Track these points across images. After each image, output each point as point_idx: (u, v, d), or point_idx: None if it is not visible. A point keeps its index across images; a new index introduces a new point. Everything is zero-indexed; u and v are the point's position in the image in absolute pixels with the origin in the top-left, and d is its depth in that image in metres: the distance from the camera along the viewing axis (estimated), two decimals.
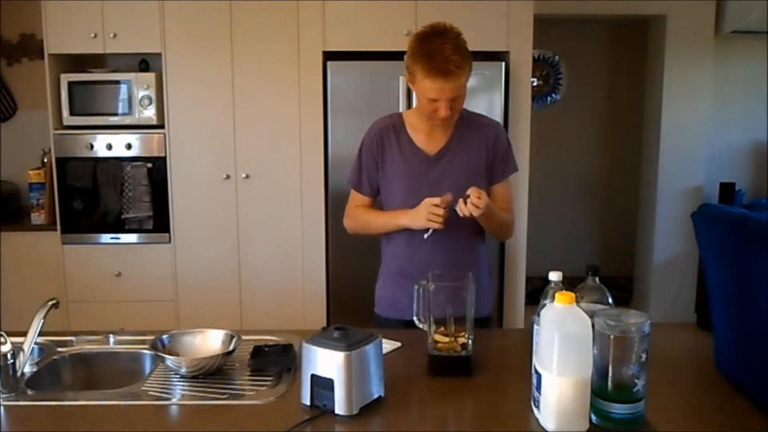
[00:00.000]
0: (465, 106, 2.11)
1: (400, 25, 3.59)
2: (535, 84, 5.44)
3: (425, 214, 1.96)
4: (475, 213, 1.91)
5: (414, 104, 3.57)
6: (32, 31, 4.11)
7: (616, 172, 5.79)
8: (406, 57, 1.99)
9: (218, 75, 3.69)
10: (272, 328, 2.03)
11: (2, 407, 1.56)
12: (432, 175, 2.09)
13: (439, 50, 1.89)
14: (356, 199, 2.22)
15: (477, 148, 2.12)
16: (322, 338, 1.50)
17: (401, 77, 3.54)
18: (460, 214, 1.94)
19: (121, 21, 3.65)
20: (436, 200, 1.94)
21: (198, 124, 3.74)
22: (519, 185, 3.62)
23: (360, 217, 2.20)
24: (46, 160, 3.93)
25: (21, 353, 1.66)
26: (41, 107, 3.79)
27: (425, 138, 2.12)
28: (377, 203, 2.22)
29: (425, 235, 1.98)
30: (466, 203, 1.92)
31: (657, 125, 4.72)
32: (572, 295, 1.39)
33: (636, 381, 1.39)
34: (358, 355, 1.46)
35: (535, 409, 1.45)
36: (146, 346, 1.83)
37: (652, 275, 4.82)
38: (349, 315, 3.65)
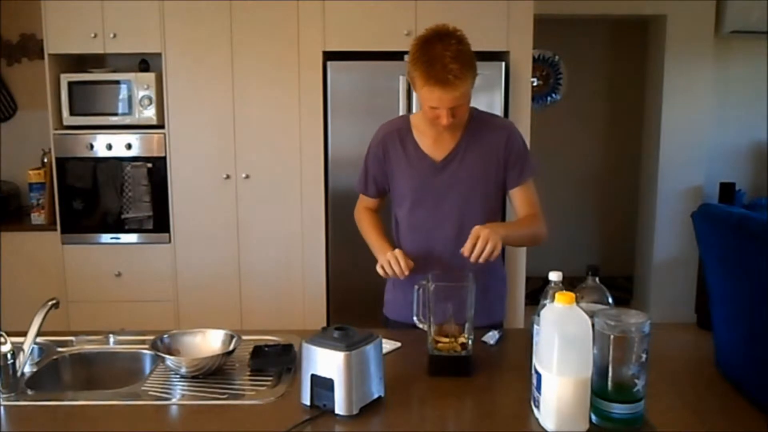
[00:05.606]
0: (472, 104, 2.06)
1: (400, 25, 3.59)
2: (535, 84, 5.44)
3: (383, 260, 1.96)
4: (487, 258, 1.85)
5: (415, 105, 3.59)
6: (32, 31, 4.11)
7: (616, 172, 5.80)
8: (407, 61, 1.92)
9: (218, 75, 3.69)
10: (272, 328, 2.03)
11: (2, 407, 1.56)
12: (439, 181, 2.03)
13: (439, 58, 1.81)
14: (363, 200, 2.23)
15: (488, 152, 2.03)
16: (322, 338, 1.50)
17: (401, 77, 3.55)
18: (473, 261, 1.86)
19: (121, 21, 3.65)
20: (401, 258, 1.93)
21: (198, 124, 3.74)
22: None
23: (361, 220, 2.21)
24: (46, 160, 3.92)
25: (21, 353, 1.66)
26: (41, 107, 3.79)
27: (432, 143, 2.04)
28: (386, 202, 2.23)
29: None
30: (473, 248, 1.84)
31: (657, 125, 4.72)
32: (572, 295, 1.39)
33: (636, 381, 1.39)
34: (358, 355, 1.46)
35: (535, 409, 1.45)
36: (146, 346, 1.83)
37: (652, 275, 4.82)
38: (349, 315, 3.66)
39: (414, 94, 3.57)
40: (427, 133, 2.05)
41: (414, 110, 3.58)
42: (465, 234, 1.99)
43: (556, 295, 1.40)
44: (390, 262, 1.93)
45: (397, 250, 1.97)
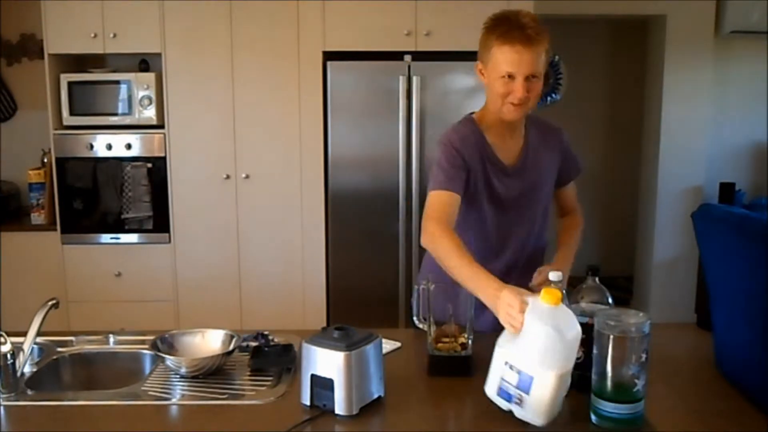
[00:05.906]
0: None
1: (400, 25, 3.59)
2: None
3: (503, 316, 1.49)
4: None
5: (415, 106, 3.59)
6: (32, 31, 4.11)
7: (616, 172, 5.79)
8: (480, 38, 1.89)
9: (218, 75, 3.69)
10: (272, 328, 2.03)
11: (2, 407, 1.56)
12: (512, 189, 1.94)
13: (516, 21, 1.82)
14: (441, 199, 1.83)
15: (550, 156, 2.01)
16: (322, 338, 1.50)
17: (401, 77, 3.54)
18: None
19: (121, 21, 3.65)
20: (516, 303, 1.44)
21: (198, 124, 3.74)
22: None
23: (450, 250, 1.70)
24: (46, 160, 3.92)
25: (21, 353, 1.66)
26: (41, 107, 3.79)
27: (501, 147, 1.94)
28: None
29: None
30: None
31: (657, 125, 4.72)
32: (559, 294, 1.41)
33: (636, 381, 1.39)
34: (358, 355, 1.46)
35: (514, 407, 1.45)
36: (146, 346, 1.83)
37: (652, 275, 4.82)
38: (349, 315, 3.67)
39: (416, 95, 3.57)
40: (494, 138, 1.94)
41: (414, 110, 3.58)
42: (533, 239, 2.01)
43: (542, 291, 1.41)
44: (511, 316, 1.46)
45: (512, 295, 1.47)
